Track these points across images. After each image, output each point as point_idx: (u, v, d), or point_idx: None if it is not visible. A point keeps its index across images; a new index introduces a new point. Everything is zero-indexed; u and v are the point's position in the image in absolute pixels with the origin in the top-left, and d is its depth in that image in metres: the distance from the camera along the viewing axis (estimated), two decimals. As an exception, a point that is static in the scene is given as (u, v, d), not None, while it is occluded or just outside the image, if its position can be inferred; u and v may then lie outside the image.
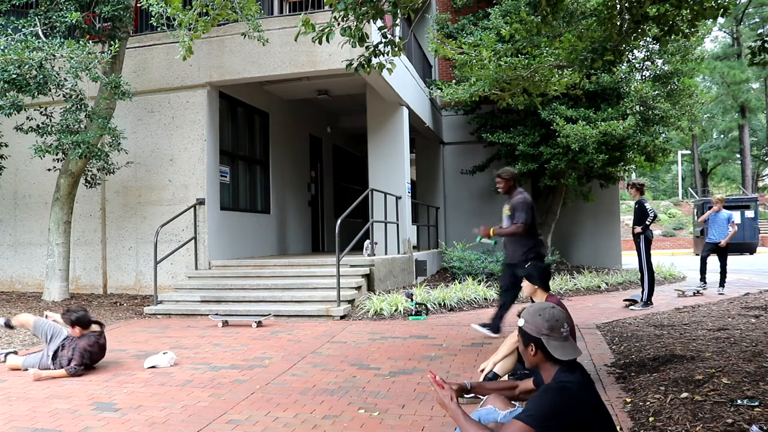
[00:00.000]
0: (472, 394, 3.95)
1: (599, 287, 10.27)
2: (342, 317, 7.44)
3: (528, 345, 2.32)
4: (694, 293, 9.31)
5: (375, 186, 9.95)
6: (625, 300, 8.43)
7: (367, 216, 9.76)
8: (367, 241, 9.37)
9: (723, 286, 9.59)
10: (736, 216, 22.44)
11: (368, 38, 4.93)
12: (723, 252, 9.79)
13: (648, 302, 8.13)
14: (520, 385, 2.86)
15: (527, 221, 5.83)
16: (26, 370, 5.12)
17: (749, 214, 22.72)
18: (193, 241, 9.07)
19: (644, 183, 8.48)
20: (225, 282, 8.57)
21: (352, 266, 8.51)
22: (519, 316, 2.40)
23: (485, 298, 8.67)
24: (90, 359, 5.07)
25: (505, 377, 3.95)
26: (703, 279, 10.02)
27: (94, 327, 5.15)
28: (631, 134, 10.40)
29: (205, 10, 5.44)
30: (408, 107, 10.55)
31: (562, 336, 2.28)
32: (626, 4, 5.08)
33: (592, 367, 4.81)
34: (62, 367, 4.97)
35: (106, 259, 9.68)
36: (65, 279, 8.86)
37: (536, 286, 4.26)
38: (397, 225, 10.26)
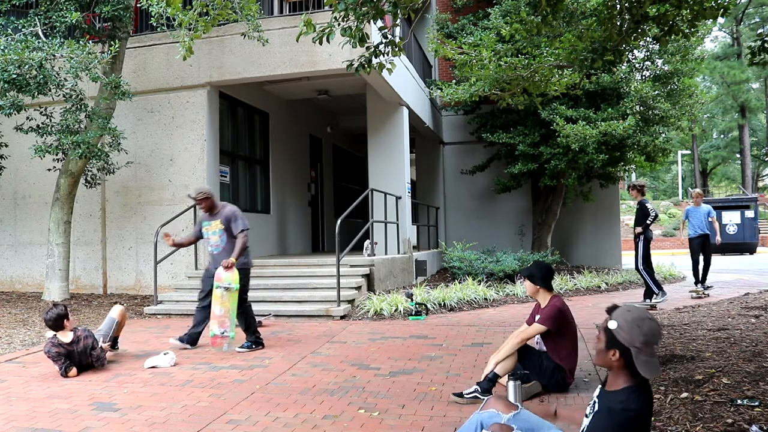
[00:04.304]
0: (474, 395, 3.98)
1: (599, 287, 10.26)
2: (342, 317, 7.44)
3: (611, 349, 2.18)
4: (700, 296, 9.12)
5: (375, 186, 9.94)
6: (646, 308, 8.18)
7: (367, 216, 9.76)
8: (367, 241, 9.37)
9: (704, 282, 9.39)
10: (736, 216, 22.57)
11: (368, 38, 4.93)
12: (707, 247, 9.43)
13: (661, 293, 8.23)
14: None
15: (247, 227, 5.81)
16: None
17: (749, 214, 22.63)
18: (193, 241, 9.07)
19: (645, 184, 8.47)
20: (225, 282, 8.55)
21: (352, 266, 8.52)
22: (609, 314, 2.24)
23: (485, 298, 8.67)
24: (66, 360, 4.94)
25: (505, 377, 3.95)
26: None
27: (66, 334, 4.96)
28: (631, 134, 10.39)
29: (205, 10, 5.45)
30: (408, 107, 10.54)
31: (652, 352, 2.15)
32: (626, 4, 5.08)
33: (592, 367, 4.81)
34: None
35: (106, 259, 9.68)
36: (65, 279, 8.86)
37: (538, 287, 4.28)
38: (397, 225, 10.26)
